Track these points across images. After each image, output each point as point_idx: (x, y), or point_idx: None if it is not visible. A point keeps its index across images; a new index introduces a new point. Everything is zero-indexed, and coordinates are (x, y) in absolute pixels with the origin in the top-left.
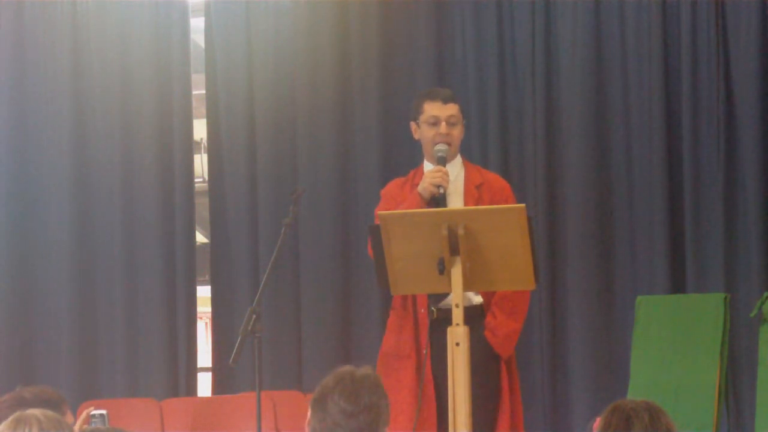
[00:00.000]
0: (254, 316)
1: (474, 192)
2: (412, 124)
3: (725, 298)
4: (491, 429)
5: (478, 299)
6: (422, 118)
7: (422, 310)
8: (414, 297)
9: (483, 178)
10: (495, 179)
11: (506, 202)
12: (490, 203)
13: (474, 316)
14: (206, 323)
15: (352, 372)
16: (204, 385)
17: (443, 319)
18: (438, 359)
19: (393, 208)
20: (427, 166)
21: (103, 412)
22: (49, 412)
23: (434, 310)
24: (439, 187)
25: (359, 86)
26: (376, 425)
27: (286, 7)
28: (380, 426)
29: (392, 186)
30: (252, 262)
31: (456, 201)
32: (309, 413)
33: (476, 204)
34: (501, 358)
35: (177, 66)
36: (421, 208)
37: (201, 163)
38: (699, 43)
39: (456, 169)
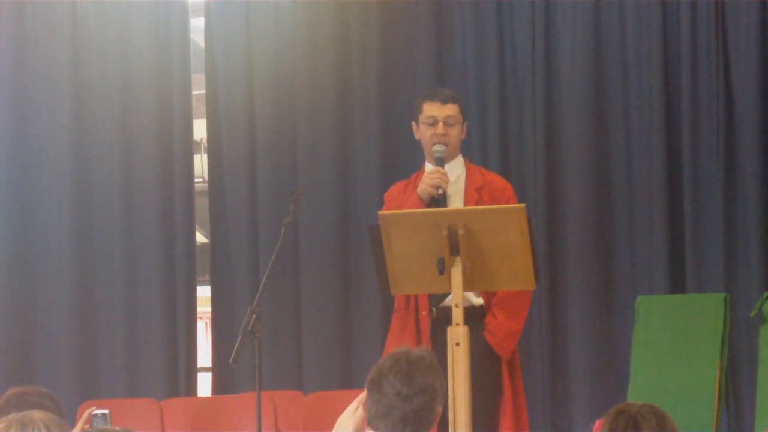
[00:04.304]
0: (254, 316)
1: (474, 194)
2: (413, 124)
3: (725, 298)
4: (494, 430)
5: (478, 301)
6: (421, 118)
7: (423, 312)
8: (416, 299)
9: (484, 180)
10: (497, 180)
11: (507, 203)
12: (491, 204)
13: (474, 317)
14: (206, 323)
15: (407, 353)
16: (204, 385)
17: (443, 319)
18: (438, 359)
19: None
20: (428, 167)
21: (106, 411)
22: (51, 414)
23: (434, 309)
24: (437, 188)
25: (359, 86)
26: (431, 406)
27: (286, 7)
28: (435, 407)
29: (394, 190)
30: (252, 262)
31: (456, 202)
32: (365, 393)
33: (476, 205)
34: (502, 359)
35: (177, 66)
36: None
37: (201, 163)
38: (699, 43)
39: (457, 171)
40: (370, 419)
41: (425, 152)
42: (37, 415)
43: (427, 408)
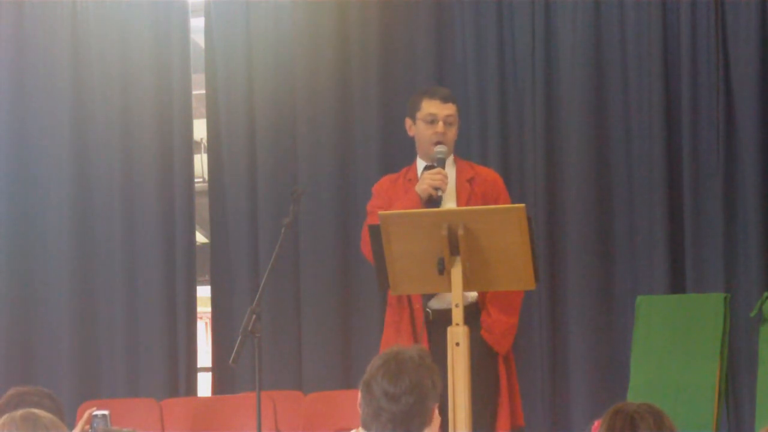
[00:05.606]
0: (254, 316)
1: (466, 185)
2: (407, 120)
3: (725, 298)
4: (492, 425)
5: (472, 296)
6: (419, 115)
7: (417, 305)
8: None
9: (474, 172)
10: (486, 172)
11: (498, 195)
12: (483, 196)
13: (469, 313)
14: (206, 323)
15: (398, 353)
16: (204, 385)
17: (440, 320)
18: (436, 360)
19: (385, 204)
20: (420, 163)
21: (106, 412)
22: (50, 415)
23: (430, 311)
24: (437, 189)
25: (359, 86)
26: (421, 405)
27: (286, 7)
28: (426, 405)
29: (384, 182)
30: (252, 262)
31: (449, 196)
32: (359, 395)
33: (469, 197)
34: (498, 354)
35: (177, 66)
36: (418, 208)
37: (201, 163)
38: (699, 43)
39: (448, 168)
40: (363, 420)
41: (419, 149)
42: (42, 413)
43: (417, 407)
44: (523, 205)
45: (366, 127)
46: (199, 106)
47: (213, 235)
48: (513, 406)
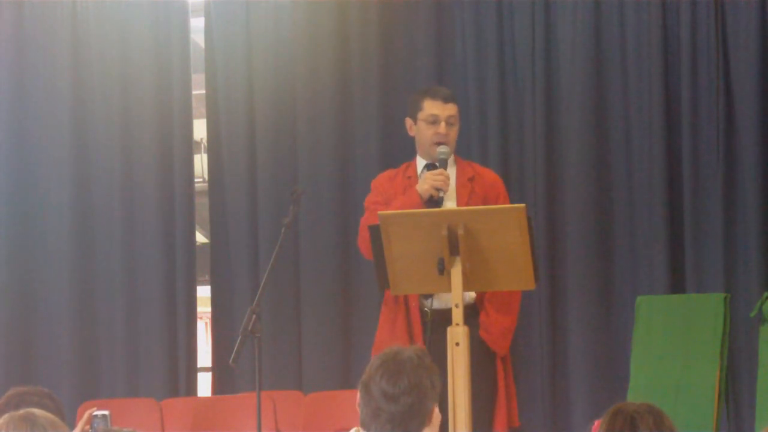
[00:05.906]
0: (254, 317)
1: (467, 184)
2: (408, 120)
3: (725, 298)
4: (489, 425)
5: (471, 296)
6: (421, 115)
7: (413, 303)
8: None
9: (474, 171)
10: (487, 173)
11: (498, 196)
12: (483, 196)
13: (468, 314)
14: (206, 323)
15: (396, 353)
16: (204, 385)
17: (438, 320)
18: (433, 360)
19: (384, 200)
20: (420, 161)
21: (106, 412)
22: (50, 415)
23: (428, 311)
24: (439, 190)
25: (359, 86)
26: (420, 406)
27: (286, 7)
28: (425, 405)
29: (382, 178)
30: (252, 262)
31: (449, 196)
32: (358, 395)
33: (469, 196)
34: (497, 354)
35: (177, 66)
36: (419, 207)
37: (201, 163)
38: (699, 43)
39: (449, 168)
40: (362, 420)
41: (419, 148)
42: (41, 413)
43: (416, 408)
44: (523, 205)
45: (366, 127)
46: (199, 106)
47: (213, 235)
48: (510, 406)
